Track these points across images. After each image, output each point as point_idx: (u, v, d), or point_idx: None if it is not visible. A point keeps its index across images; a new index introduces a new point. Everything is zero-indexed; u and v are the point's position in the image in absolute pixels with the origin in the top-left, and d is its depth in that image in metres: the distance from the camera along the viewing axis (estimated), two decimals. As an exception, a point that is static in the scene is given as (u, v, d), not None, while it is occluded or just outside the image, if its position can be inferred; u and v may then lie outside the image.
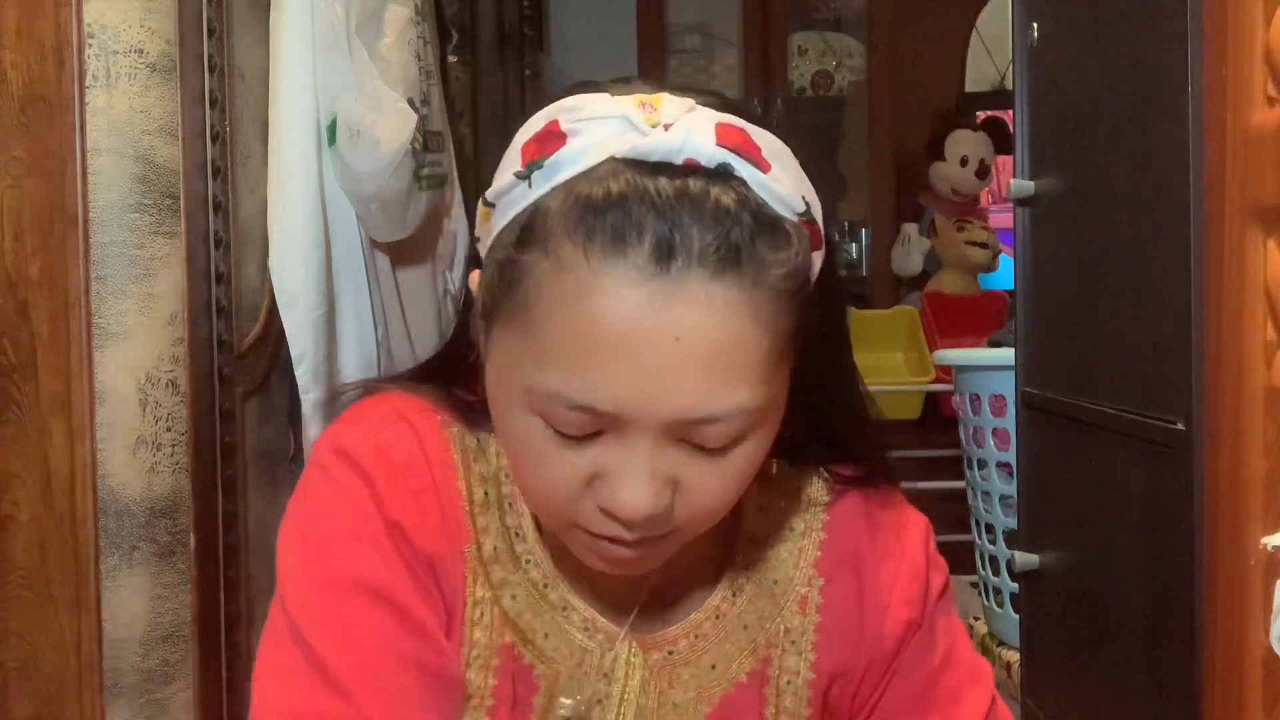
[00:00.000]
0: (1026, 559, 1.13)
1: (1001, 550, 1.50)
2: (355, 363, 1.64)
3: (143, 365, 1.27)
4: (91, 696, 1.25)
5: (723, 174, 0.59)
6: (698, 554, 0.72)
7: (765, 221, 0.59)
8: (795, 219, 0.61)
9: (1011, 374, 1.18)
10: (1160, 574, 0.84)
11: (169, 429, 1.29)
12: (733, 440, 0.61)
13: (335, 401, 1.59)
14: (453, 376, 0.73)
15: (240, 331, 1.46)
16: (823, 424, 0.73)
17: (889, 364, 3.12)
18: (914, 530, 0.76)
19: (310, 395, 1.53)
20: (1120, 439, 0.90)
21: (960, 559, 2.06)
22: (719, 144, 0.59)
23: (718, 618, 0.73)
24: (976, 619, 1.70)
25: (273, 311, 1.50)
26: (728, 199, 0.58)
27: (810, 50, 3.62)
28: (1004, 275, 3.34)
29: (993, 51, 3.85)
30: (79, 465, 1.25)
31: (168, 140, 1.30)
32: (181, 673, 1.30)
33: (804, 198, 0.62)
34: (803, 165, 0.66)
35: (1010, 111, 1.17)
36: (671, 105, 0.60)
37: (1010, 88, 1.17)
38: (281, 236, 1.49)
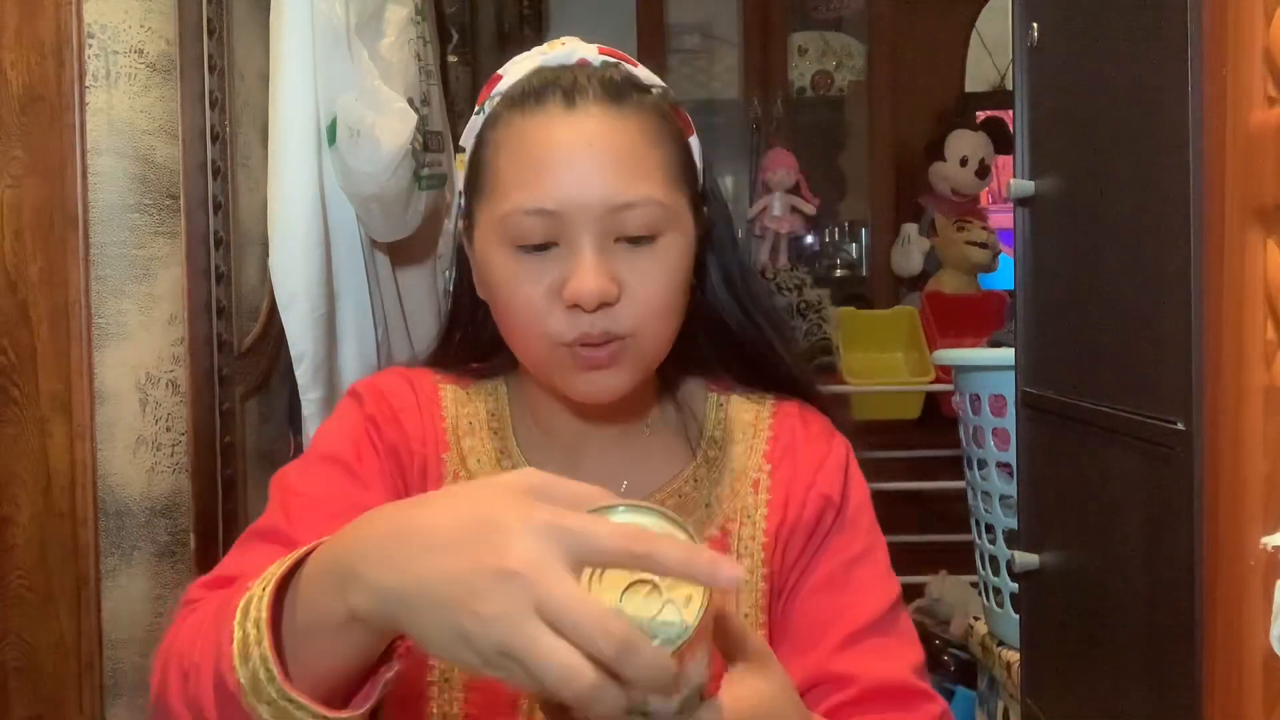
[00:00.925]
0: (1026, 559, 1.13)
1: (1001, 550, 1.50)
2: (355, 363, 1.64)
3: (143, 365, 1.27)
4: (91, 696, 1.25)
5: (605, 65, 0.85)
6: (666, 445, 0.91)
7: (638, 77, 0.86)
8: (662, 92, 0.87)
9: (1011, 374, 1.18)
10: (1160, 574, 0.84)
11: (169, 429, 1.29)
12: (654, 232, 0.81)
13: (335, 401, 1.59)
14: (453, 356, 0.94)
15: (240, 331, 1.46)
16: (748, 349, 0.93)
17: (889, 364, 3.12)
18: (840, 442, 0.93)
19: (310, 395, 1.53)
20: (1120, 439, 0.90)
21: (960, 559, 2.06)
22: (599, 53, 0.86)
23: (680, 497, 0.89)
24: (976, 619, 1.70)
25: (273, 311, 1.50)
26: (609, 68, 0.85)
27: (810, 50, 3.62)
28: (1004, 275, 3.35)
29: (993, 51, 3.85)
30: (79, 465, 1.25)
31: (168, 140, 1.30)
32: (181, 673, 1.30)
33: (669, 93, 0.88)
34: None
35: (1010, 111, 1.17)
36: (572, 40, 0.87)
37: (1010, 88, 1.17)
38: (281, 236, 1.49)
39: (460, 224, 0.91)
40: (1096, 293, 0.97)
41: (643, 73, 0.88)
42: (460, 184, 0.90)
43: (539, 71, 0.85)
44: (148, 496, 1.27)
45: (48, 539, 1.26)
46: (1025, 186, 1.12)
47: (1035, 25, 1.09)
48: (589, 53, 0.86)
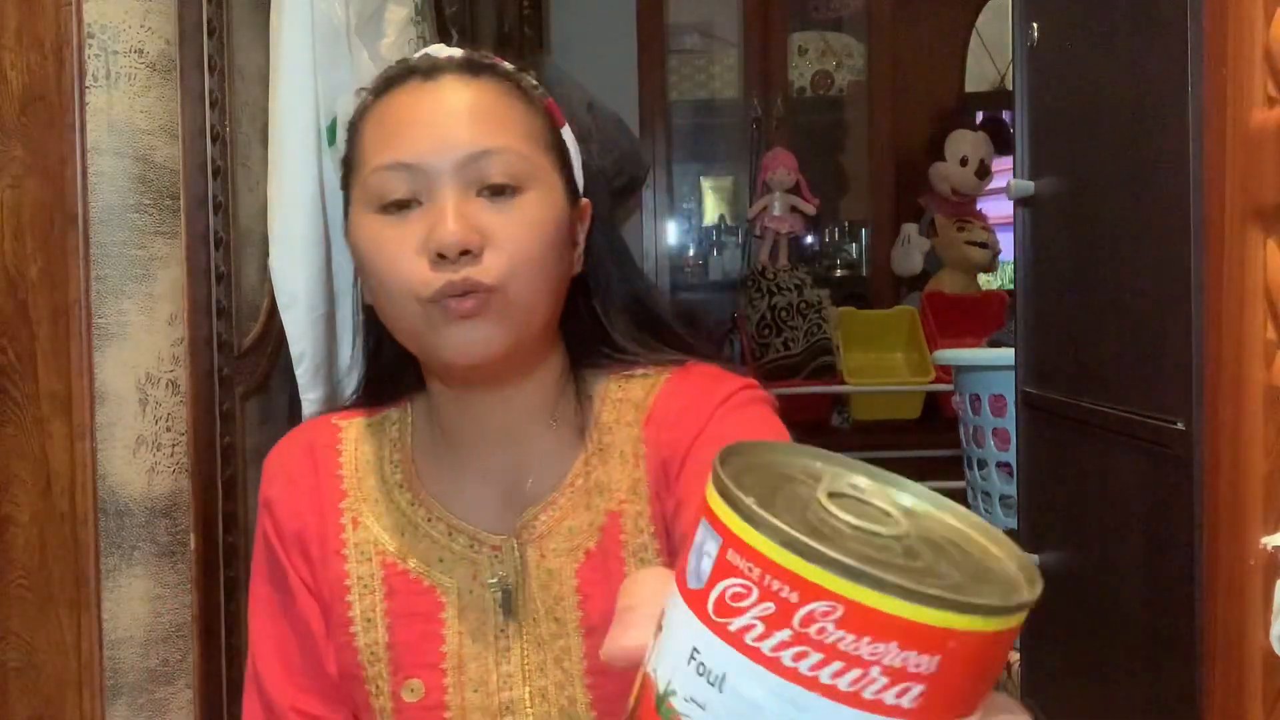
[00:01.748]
0: (1026, 559, 1.13)
1: (1001, 550, 1.49)
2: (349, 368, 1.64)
3: (143, 365, 1.27)
4: (91, 696, 1.25)
5: (466, 53, 0.87)
6: (564, 439, 0.90)
7: (499, 63, 0.87)
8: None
9: (1011, 374, 1.18)
10: (1160, 574, 0.84)
11: (169, 429, 1.29)
12: (515, 182, 0.82)
13: (335, 401, 1.59)
14: (379, 391, 0.96)
15: (240, 331, 1.46)
16: (631, 319, 0.93)
17: (889, 364, 3.12)
18: (729, 382, 0.88)
19: (310, 395, 1.53)
20: (1120, 439, 0.90)
21: (960, 559, 2.06)
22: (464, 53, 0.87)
23: (572, 491, 0.88)
24: (976, 619, 1.70)
25: (273, 311, 1.50)
26: (469, 54, 0.86)
27: (810, 50, 3.62)
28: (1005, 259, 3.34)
29: (993, 51, 3.85)
30: (79, 465, 1.25)
31: (168, 140, 1.30)
32: (181, 673, 1.30)
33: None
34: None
35: (1010, 111, 1.17)
36: (440, 45, 0.89)
37: (1010, 88, 1.17)
38: (281, 236, 1.49)
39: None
40: (1096, 293, 0.97)
41: (503, 63, 0.90)
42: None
43: (399, 63, 0.88)
44: (148, 496, 1.27)
45: (48, 539, 1.26)
46: (1025, 186, 1.12)
47: (1035, 25, 1.09)
48: (455, 52, 0.89)
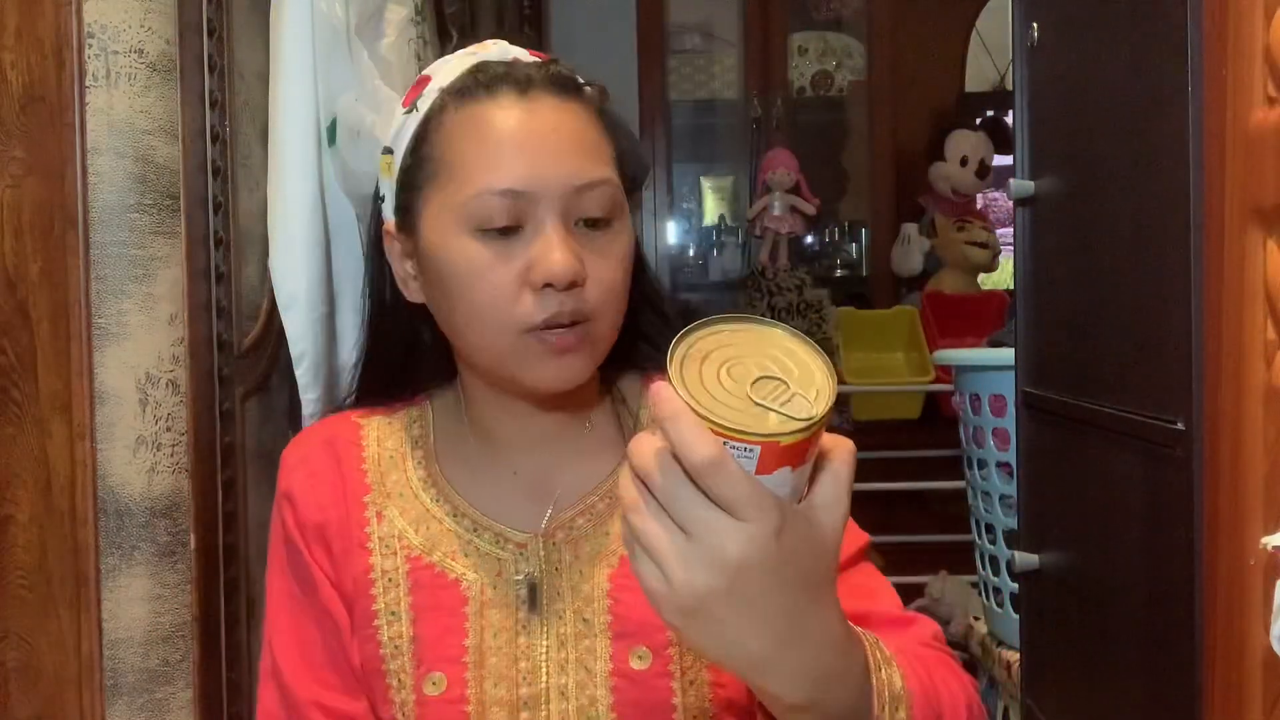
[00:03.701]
0: (1026, 559, 1.13)
1: (1001, 550, 1.50)
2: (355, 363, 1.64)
3: (143, 365, 1.27)
4: (91, 696, 1.25)
5: (544, 63, 0.87)
6: (601, 441, 0.92)
7: (576, 76, 0.88)
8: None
9: (1011, 374, 1.18)
10: (1160, 574, 0.84)
11: (169, 429, 1.29)
12: (609, 215, 0.84)
13: (335, 401, 1.59)
14: (384, 391, 0.97)
15: (240, 331, 1.46)
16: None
17: (889, 364, 3.12)
18: None
19: (310, 395, 1.53)
20: (1120, 439, 0.90)
21: (960, 559, 2.06)
22: (530, 55, 0.88)
23: (611, 497, 0.90)
24: (976, 619, 1.70)
25: (273, 311, 1.50)
26: (550, 64, 0.87)
27: (810, 50, 3.62)
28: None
29: (993, 51, 3.85)
30: (79, 465, 1.25)
31: (168, 140, 1.30)
32: (181, 673, 1.30)
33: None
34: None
35: (1010, 111, 1.17)
36: (500, 42, 0.89)
37: (1010, 88, 1.17)
38: (281, 236, 1.49)
39: (388, 225, 0.91)
40: (1096, 293, 0.97)
41: (592, 90, 0.90)
42: (384, 188, 0.90)
43: (480, 67, 0.86)
44: (148, 496, 1.27)
45: (48, 539, 1.26)
46: (1025, 186, 1.12)
47: (1035, 25, 1.09)
48: (521, 54, 0.89)
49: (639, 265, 0.92)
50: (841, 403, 3.06)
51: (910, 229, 3.42)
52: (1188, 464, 0.78)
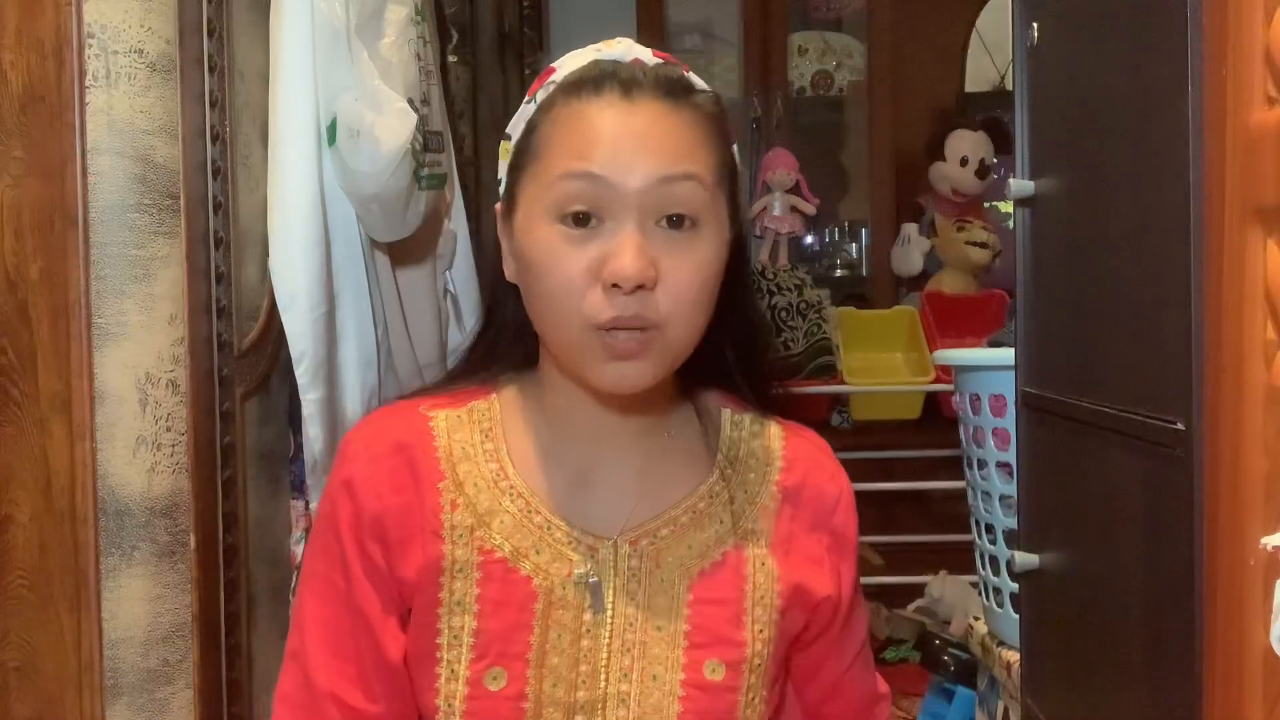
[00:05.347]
0: (1026, 559, 1.13)
1: (1001, 550, 1.49)
2: (355, 363, 1.64)
3: (143, 365, 1.27)
4: (91, 696, 1.25)
5: (661, 65, 0.87)
6: (684, 451, 0.92)
7: (691, 80, 0.87)
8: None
9: (1011, 374, 1.18)
10: (1160, 574, 0.84)
11: (169, 429, 1.29)
12: (695, 215, 0.82)
13: (335, 401, 1.59)
14: (485, 359, 0.96)
15: (240, 331, 1.46)
16: (746, 362, 0.96)
17: (889, 364, 3.12)
18: (843, 479, 0.97)
19: (310, 395, 1.53)
20: (1120, 439, 0.90)
21: (960, 559, 2.06)
22: (654, 56, 0.88)
23: (694, 513, 0.90)
24: (976, 619, 1.70)
25: (273, 311, 1.50)
26: (666, 67, 0.86)
27: (810, 50, 3.62)
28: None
29: (993, 51, 3.85)
30: (79, 465, 1.25)
31: (168, 140, 1.30)
32: (181, 673, 1.30)
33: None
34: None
35: (1010, 111, 1.17)
36: (627, 40, 0.89)
37: (1010, 88, 1.17)
38: (281, 236, 1.49)
39: (498, 207, 0.92)
40: (1096, 293, 0.97)
41: (694, 78, 0.89)
42: (502, 171, 0.91)
43: (596, 64, 0.86)
44: (148, 496, 1.27)
45: (48, 539, 1.26)
46: (1025, 186, 1.12)
47: (1035, 25, 1.09)
48: (644, 54, 0.88)
49: (735, 278, 0.90)
50: (841, 403, 3.06)
51: (910, 229, 3.42)
52: (1188, 464, 0.78)
